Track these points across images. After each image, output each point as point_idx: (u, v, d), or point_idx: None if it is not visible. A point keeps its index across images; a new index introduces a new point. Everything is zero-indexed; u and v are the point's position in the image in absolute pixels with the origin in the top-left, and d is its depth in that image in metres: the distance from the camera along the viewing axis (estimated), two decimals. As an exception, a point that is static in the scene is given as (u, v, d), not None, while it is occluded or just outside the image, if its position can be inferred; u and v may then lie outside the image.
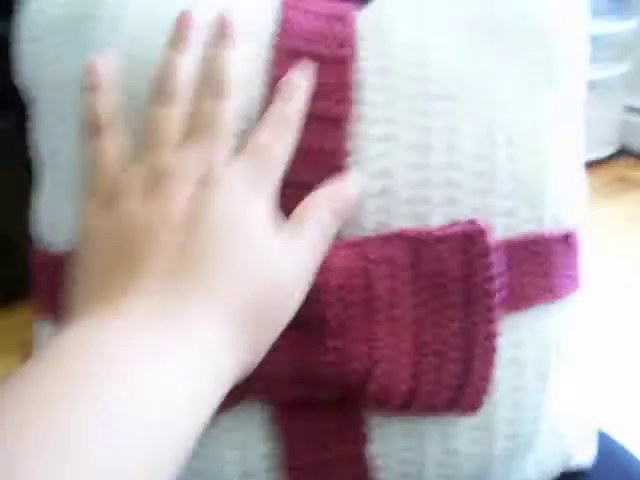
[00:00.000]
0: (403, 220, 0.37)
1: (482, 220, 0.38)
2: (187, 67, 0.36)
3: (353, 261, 0.35)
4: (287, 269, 0.32)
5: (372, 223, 0.37)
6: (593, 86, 2.22)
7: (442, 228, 0.37)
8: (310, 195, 0.35)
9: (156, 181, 0.32)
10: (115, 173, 0.33)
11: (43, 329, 0.42)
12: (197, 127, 0.34)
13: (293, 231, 0.34)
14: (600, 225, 1.99)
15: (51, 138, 0.40)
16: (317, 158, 0.37)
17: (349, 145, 0.37)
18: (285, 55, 0.38)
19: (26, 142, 0.43)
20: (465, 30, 0.40)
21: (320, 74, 0.38)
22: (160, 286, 0.28)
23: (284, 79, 0.36)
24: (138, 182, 0.32)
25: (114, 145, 0.35)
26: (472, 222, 0.37)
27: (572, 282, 0.43)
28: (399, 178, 0.37)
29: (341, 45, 0.39)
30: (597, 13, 2.21)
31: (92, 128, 0.35)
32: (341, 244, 0.36)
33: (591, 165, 2.31)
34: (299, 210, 0.35)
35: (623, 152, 2.49)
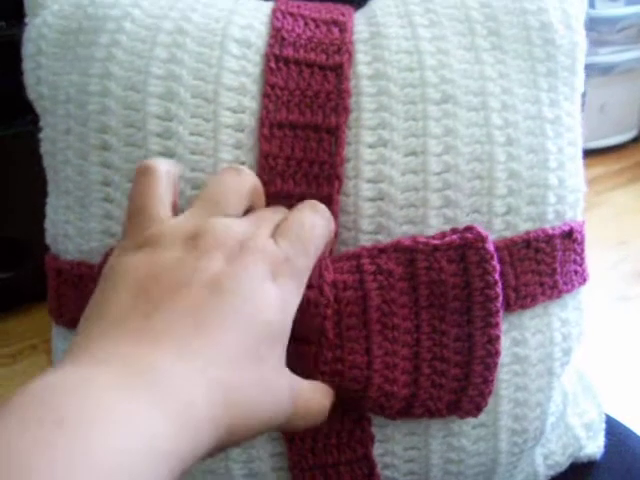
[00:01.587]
0: (401, 223, 0.38)
1: (481, 222, 0.38)
2: None
3: (349, 274, 0.36)
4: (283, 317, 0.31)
5: (370, 226, 0.38)
6: (611, 70, 2.19)
7: (439, 236, 0.37)
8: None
9: (199, 239, 0.31)
10: (159, 218, 0.32)
11: (58, 332, 0.43)
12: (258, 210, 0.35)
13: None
14: (621, 211, 1.97)
15: (55, 150, 0.41)
16: (315, 169, 0.37)
17: (346, 152, 0.38)
18: (279, 63, 0.38)
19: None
20: (464, 32, 0.40)
21: (316, 81, 0.38)
22: (162, 345, 0.27)
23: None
24: (181, 235, 0.31)
25: (162, 188, 0.34)
26: (470, 229, 0.37)
27: (578, 277, 0.43)
28: (396, 182, 0.38)
29: (338, 51, 0.39)
30: (613, -4, 2.18)
31: (142, 168, 0.34)
32: (336, 257, 0.37)
33: (611, 150, 2.29)
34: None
35: (644, 137, 2.45)
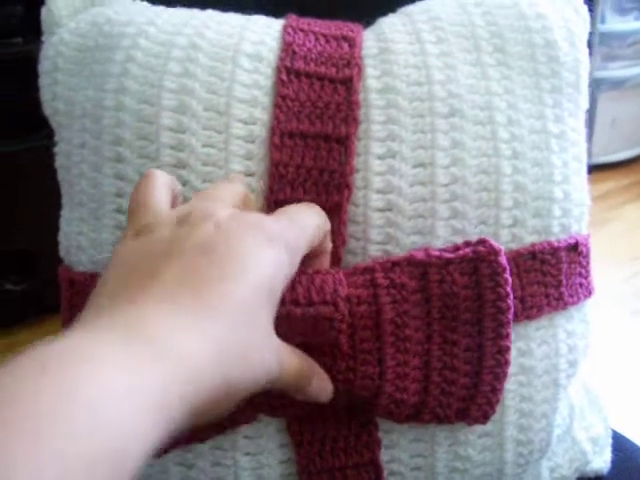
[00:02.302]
0: (409, 233, 0.38)
1: (488, 233, 0.39)
2: None
3: (363, 288, 0.37)
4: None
5: (379, 236, 0.38)
6: (621, 84, 2.20)
7: (452, 249, 0.38)
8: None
9: (189, 216, 0.32)
10: (156, 211, 0.34)
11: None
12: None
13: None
14: (632, 227, 1.97)
15: (70, 164, 0.42)
16: (325, 177, 0.38)
17: (356, 162, 0.39)
18: (290, 75, 0.39)
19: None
20: (470, 49, 0.41)
21: (326, 94, 0.39)
22: (158, 303, 0.28)
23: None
24: (174, 219, 0.33)
25: (161, 189, 0.35)
26: (482, 242, 0.37)
27: (583, 290, 0.43)
28: (404, 193, 0.38)
29: (347, 65, 0.40)
30: (622, 11, 2.18)
31: (143, 175, 0.36)
32: (350, 271, 0.37)
33: (622, 165, 2.28)
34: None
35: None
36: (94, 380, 0.23)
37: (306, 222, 0.35)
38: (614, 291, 1.64)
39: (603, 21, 2.23)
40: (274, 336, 0.32)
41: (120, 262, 0.32)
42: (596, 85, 2.44)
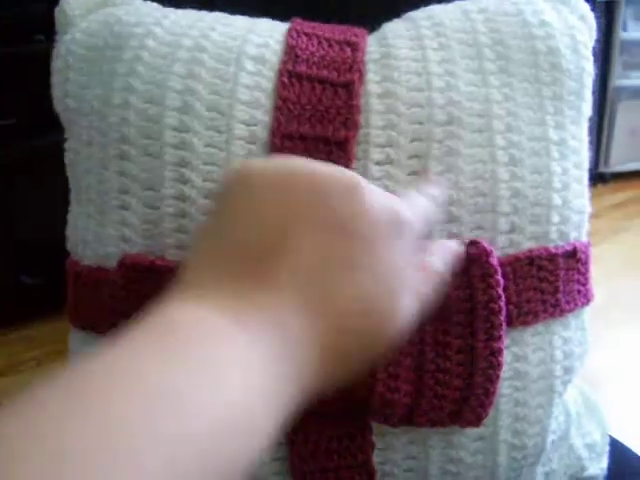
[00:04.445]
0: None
1: (485, 238, 0.39)
2: None
3: None
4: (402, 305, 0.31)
5: None
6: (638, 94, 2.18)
7: None
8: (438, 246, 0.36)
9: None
10: None
11: (75, 334, 0.45)
12: None
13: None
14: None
15: (78, 160, 0.43)
16: None
17: (355, 166, 0.39)
18: (292, 78, 0.40)
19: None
20: (472, 56, 0.41)
21: (327, 97, 0.40)
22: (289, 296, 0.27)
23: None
24: None
25: None
26: (474, 243, 0.38)
27: (581, 297, 0.44)
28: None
29: (349, 69, 0.41)
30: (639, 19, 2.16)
31: None
32: None
33: (638, 174, 2.27)
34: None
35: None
36: (227, 384, 0.23)
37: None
38: (629, 299, 1.64)
39: (624, 29, 2.21)
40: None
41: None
42: (616, 94, 2.43)
